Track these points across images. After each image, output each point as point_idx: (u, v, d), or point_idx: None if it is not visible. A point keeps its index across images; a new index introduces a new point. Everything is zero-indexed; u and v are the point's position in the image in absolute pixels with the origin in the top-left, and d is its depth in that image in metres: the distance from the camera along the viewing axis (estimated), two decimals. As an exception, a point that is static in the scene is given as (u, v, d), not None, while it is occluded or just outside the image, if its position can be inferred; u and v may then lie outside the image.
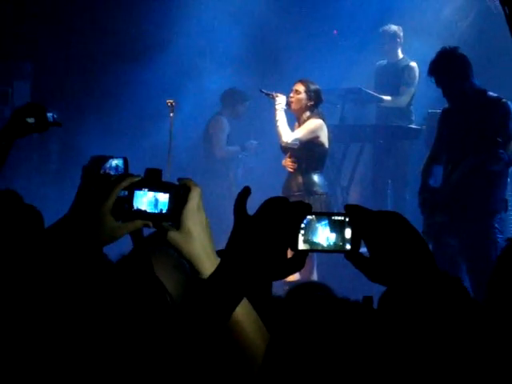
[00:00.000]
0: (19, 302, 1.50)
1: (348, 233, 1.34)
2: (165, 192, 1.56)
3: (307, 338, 1.34)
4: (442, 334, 1.26)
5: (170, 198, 1.55)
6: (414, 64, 7.87)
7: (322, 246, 1.35)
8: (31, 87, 8.45)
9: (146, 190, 1.56)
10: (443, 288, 1.28)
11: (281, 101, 5.86)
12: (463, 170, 5.10)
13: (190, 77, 8.51)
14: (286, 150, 5.91)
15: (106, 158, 2.10)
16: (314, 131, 5.77)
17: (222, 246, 1.67)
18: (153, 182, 1.57)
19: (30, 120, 2.87)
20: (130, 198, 1.55)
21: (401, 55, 8.04)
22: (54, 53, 8.54)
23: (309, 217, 1.35)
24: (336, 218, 1.35)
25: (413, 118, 7.98)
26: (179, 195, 1.56)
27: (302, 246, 1.35)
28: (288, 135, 5.79)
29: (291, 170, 5.86)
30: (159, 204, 1.55)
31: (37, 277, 1.50)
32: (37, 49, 8.50)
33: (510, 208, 5.38)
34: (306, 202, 1.40)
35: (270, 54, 8.69)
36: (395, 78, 7.92)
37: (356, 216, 1.33)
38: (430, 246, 4.11)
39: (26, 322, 1.50)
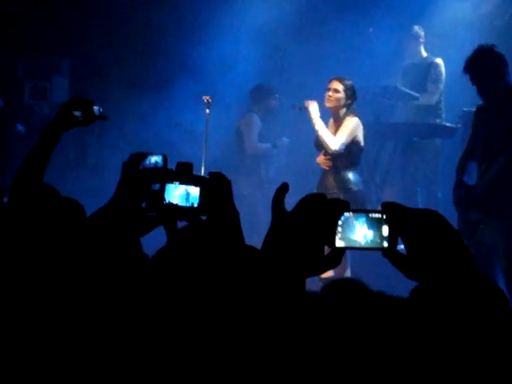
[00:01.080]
0: (64, 288, 1.53)
1: (385, 230, 1.34)
2: (196, 185, 1.58)
3: (343, 334, 1.35)
4: (473, 333, 1.26)
5: (201, 192, 1.58)
6: (439, 61, 7.82)
7: (360, 244, 1.35)
8: (69, 83, 8.52)
9: (178, 183, 1.58)
10: (481, 288, 1.28)
11: (314, 108, 5.77)
12: (496, 169, 5.05)
13: (224, 71, 8.54)
14: (320, 147, 5.88)
15: (146, 155, 2.14)
16: (353, 131, 5.72)
17: (253, 240, 1.69)
18: (184, 175, 1.59)
19: (77, 113, 2.90)
20: (161, 192, 1.57)
21: (425, 54, 7.99)
22: (91, 49, 8.63)
23: (346, 214, 1.35)
24: (373, 215, 1.35)
25: (443, 116, 7.90)
26: (210, 189, 1.58)
27: (339, 243, 1.35)
28: (334, 142, 5.67)
29: (326, 168, 5.81)
30: (190, 197, 1.57)
31: (78, 264, 1.53)
32: (75, 44, 8.59)
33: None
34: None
35: (303, 50, 8.69)
36: (422, 76, 7.86)
37: (394, 214, 1.34)
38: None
39: (72, 305, 1.53)
